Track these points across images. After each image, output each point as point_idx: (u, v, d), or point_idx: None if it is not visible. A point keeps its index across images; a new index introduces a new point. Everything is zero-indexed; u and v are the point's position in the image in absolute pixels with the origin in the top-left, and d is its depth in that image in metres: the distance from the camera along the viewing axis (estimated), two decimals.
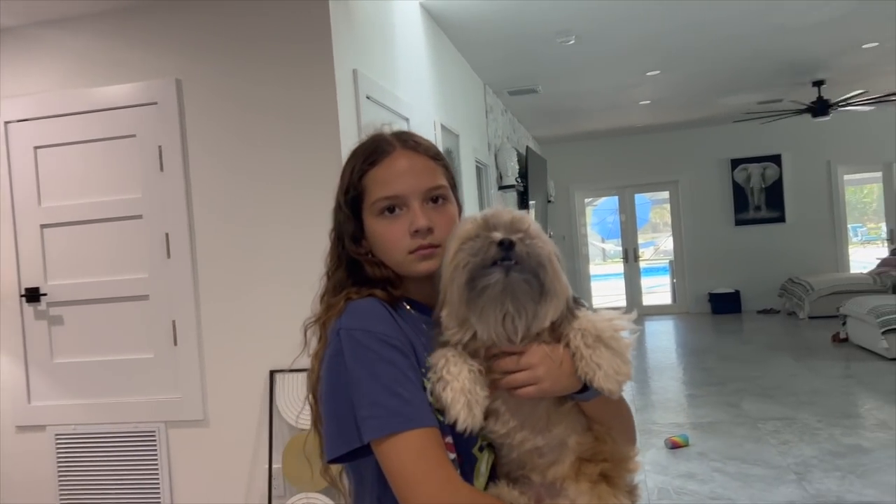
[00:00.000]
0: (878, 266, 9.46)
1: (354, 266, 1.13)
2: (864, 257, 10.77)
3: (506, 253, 0.95)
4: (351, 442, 0.98)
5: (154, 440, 3.05)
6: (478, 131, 5.72)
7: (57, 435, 3.15)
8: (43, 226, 3.17)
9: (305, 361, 1.13)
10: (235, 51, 2.93)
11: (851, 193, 11.48)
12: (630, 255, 10.81)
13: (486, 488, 1.06)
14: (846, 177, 10.23)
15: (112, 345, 3.11)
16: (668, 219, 10.98)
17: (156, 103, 3.00)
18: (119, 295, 3.09)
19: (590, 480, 1.02)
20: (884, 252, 10.20)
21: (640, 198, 11.00)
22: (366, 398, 0.97)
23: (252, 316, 2.94)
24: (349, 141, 2.92)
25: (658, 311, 10.76)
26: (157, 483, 3.05)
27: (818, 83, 7.43)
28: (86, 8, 3.03)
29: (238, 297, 2.96)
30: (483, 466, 1.07)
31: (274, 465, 2.90)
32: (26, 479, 3.20)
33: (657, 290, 11.50)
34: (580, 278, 10.81)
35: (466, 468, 1.04)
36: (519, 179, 6.58)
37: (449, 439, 1.01)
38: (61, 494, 3.15)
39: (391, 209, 1.09)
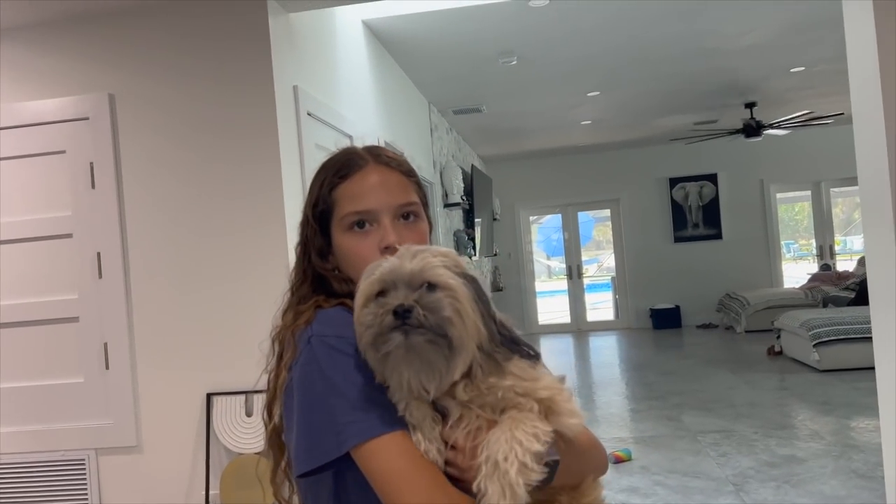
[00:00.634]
0: (809, 281, 9.85)
1: (320, 281, 1.10)
2: (796, 273, 11.16)
3: (402, 320, 0.90)
4: (329, 452, 0.94)
5: (84, 468, 2.92)
6: (423, 149, 5.73)
7: None
8: None
9: (261, 381, 1.11)
10: (172, 65, 2.87)
11: (784, 211, 11.94)
12: (574, 272, 10.98)
13: None
14: (779, 195, 10.64)
15: (40, 369, 2.98)
16: (611, 236, 11.21)
17: (87, 118, 2.91)
18: (47, 317, 2.96)
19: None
20: (814, 267, 10.62)
21: (583, 216, 11.20)
22: (347, 403, 0.95)
23: (188, 338, 2.86)
24: (290, 157, 2.88)
25: (601, 326, 10.95)
26: None
27: (750, 105, 7.73)
28: (16, 20, 2.93)
29: (173, 319, 2.87)
30: None
31: (211, 492, 2.81)
32: None
33: (600, 307, 11.68)
34: (526, 295, 10.92)
35: None
36: (464, 197, 6.62)
37: None
38: None
39: (361, 224, 1.08)
